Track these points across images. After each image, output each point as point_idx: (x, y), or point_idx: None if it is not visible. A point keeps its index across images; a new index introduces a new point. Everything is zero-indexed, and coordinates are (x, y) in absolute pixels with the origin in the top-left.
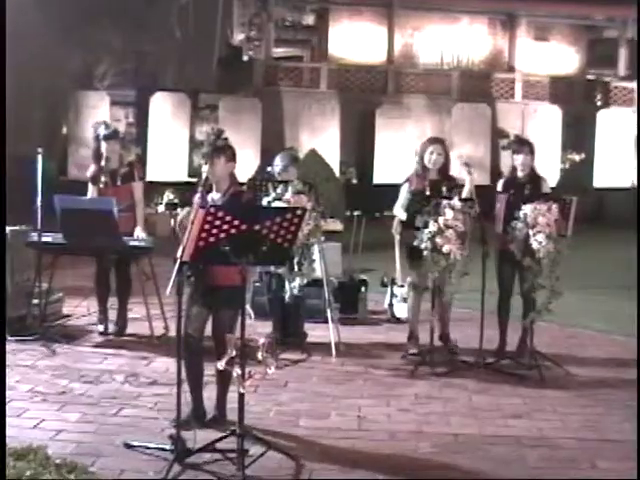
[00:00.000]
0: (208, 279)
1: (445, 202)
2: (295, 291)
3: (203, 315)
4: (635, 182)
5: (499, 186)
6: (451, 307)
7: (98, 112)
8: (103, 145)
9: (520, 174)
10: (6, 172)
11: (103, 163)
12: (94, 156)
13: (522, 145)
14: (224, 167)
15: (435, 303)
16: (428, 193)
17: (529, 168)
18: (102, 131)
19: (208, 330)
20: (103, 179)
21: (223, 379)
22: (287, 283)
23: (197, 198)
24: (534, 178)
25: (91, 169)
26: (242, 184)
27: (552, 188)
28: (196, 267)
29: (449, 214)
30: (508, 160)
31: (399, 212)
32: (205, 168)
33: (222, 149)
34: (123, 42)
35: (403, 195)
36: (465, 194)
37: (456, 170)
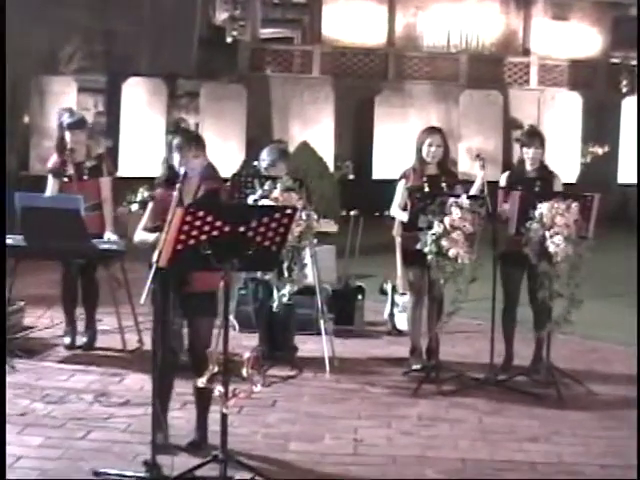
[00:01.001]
0: (184, 285)
1: (452, 200)
2: (284, 300)
3: (179, 326)
4: None
5: (502, 181)
6: (447, 317)
7: (64, 99)
8: (67, 135)
9: (529, 168)
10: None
11: (67, 155)
12: (57, 146)
13: (532, 137)
14: (197, 159)
15: (430, 311)
16: (426, 190)
17: (539, 162)
18: (66, 119)
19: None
20: (67, 172)
21: (203, 398)
22: (275, 291)
23: (165, 195)
24: (545, 173)
25: (52, 160)
26: (225, 180)
27: (571, 184)
28: (173, 272)
29: (456, 213)
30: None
31: (398, 212)
32: (177, 161)
33: (194, 138)
34: (92, 21)
35: (400, 193)
36: (474, 190)
37: (465, 164)
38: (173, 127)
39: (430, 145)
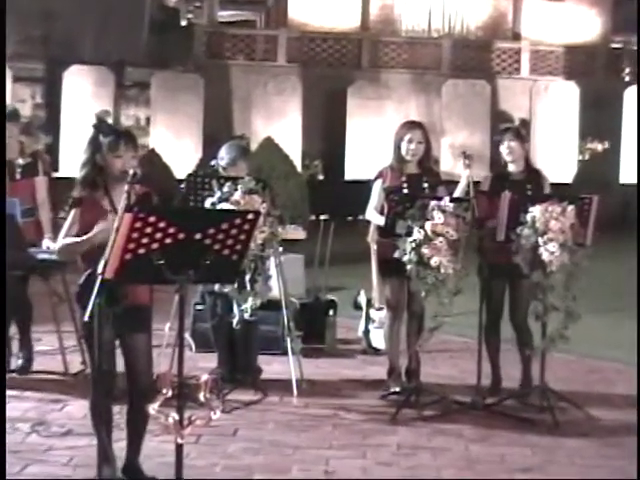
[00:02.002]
0: (122, 298)
1: (434, 203)
2: (246, 315)
3: (112, 344)
4: None
5: (483, 184)
6: (428, 334)
7: None
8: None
9: (512, 168)
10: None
11: None
12: None
13: (505, 132)
14: (134, 159)
15: (410, 328)
16: (405, 191)
17: (523, 162)
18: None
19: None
20: None
21: (140, 419)
22: (236, 305)
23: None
24: (531, 173)
25: None
26: (180, 181)
27: (567, 185)
28: (114, 284)
29: (438, 218)
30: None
31: (373, 216)
32: (110, 161)
33: (130, 136)
34: (29, 0)
35: (376, 194)
36: (459, 192)
37: (448, 163)
38: (97, 121)
39: (410, 141)
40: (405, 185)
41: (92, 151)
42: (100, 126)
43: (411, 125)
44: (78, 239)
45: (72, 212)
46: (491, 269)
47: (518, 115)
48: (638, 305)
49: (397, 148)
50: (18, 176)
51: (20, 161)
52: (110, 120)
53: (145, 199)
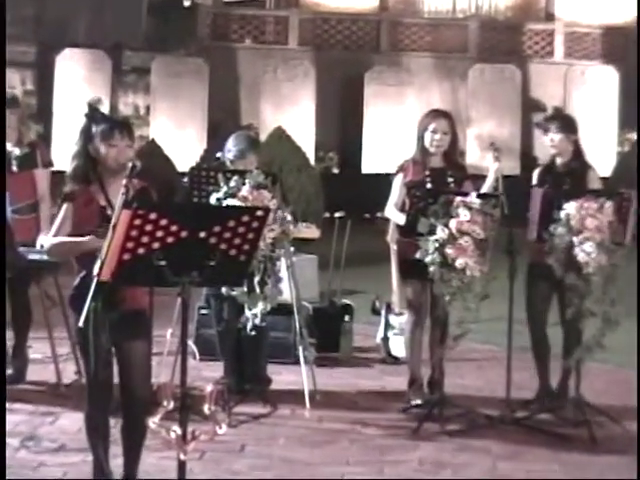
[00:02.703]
0: (119, 303)
1: (459, 199)
2: (256, 321)
3: (106, 352)
4: None
5: (534, 178)
6: (453, 342)
7: None
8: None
9: (558, 161)
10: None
11: None
12: None
13: (551, 121)
14: (130, 149)
15: (433, 335)
16: (430, 186)
17: (570, 153)
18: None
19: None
20: None
21: (137, 433)
22: (245, 310)
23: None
24: (578, 166)
25: None
26: (182, 174)
27: (605, 179)
28: (110, 287)
29: (464, 215)
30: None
31: (393, 213)
32: (103, 151)
33: (126, 124)
34: None
35: (397, 190)
36: (487, 187)
37: (474, 155)
38: (89, 109)
39: (434, 132)
40: (428, 180)
41: (84, 141)
42: (93, 114)
43: (436, 114)
44: (69, 240)
45: (64, 207)
46: (536, 269)
47: (551, 103)
48: (638, 310)
49: (420, 139)
50: (15, 168)
51: (17, 152)
52: (104, 108)
53: (144, 194)
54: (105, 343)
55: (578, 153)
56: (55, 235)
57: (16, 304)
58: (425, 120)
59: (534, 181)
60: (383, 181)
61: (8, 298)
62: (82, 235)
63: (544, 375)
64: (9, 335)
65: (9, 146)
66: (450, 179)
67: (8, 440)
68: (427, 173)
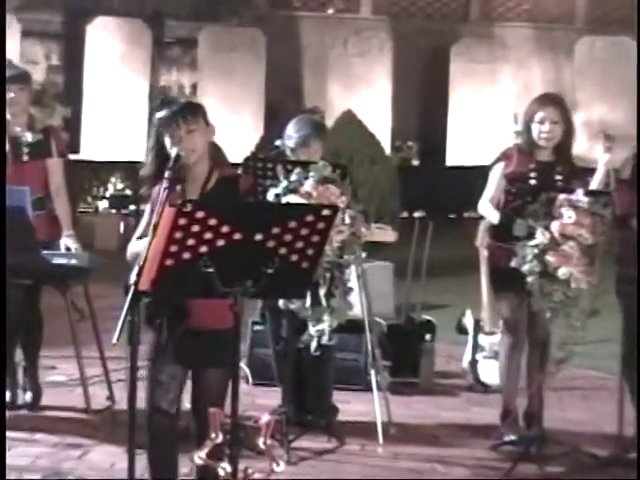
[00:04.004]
0: (185, 319)
1: (562, 197)
2: (324, 339)
3: (179, 379)
4: None
5: (623, 170)
6: (555, 367)
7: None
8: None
9: None
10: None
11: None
12: None
13: None
14: (194, 133)
15: (531, 358)
16: (534, 182)
17: None
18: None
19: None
20: None
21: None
22: (309, 327)
23: (160, 190)
24: None
25: None
26: (235, 166)
27: None
28: (162, 300)
29: (569, 217)
30: None
31: (488, 210)
32: (168, 143)
33: (197, 108)
34: None
35: (494, 182)
36: (596, 184)
37: (581, 145)
38: (159, 100)
39: (541, 122)
40: (533, 174)
41: (156, 137)
42: (160, 104)
43: (543, 100)
44: (137, 242)
45: (146, 209)
46: (631, 282)
47: None
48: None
49: (526, 130)
50: (25, 157)
51: (28, 138)
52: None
53: (228, 185)
54: (176, 367)
55: None
56: (140, 238)
57: (28, 316)
58: (531, 108)
59: (626, 174)
60: (471, 175)
61: (14, 309)
62: None
63: None
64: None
65: (18, 131)
66: (558, 176)
67: (27, 476)
68: (532, 166)
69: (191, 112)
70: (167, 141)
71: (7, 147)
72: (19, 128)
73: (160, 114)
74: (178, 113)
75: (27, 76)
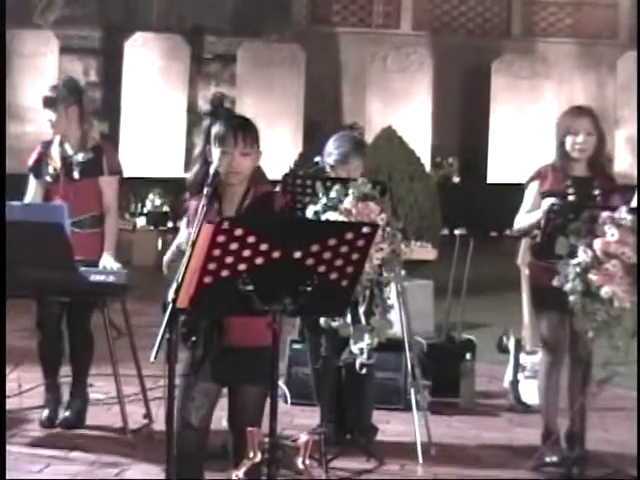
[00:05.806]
0: (221, 337)
1: (605, 214)
2: (363, 358)
3: (212, 396)
4: None
5: None
6: (598, 387)
7: (40, 64)
8: (49, 113)
9: None
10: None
11: (45, 144)
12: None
13: None
14: (247, 157)
15: (573, 378)
16: (571, 198)
17: None
18: (50, 91)
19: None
20: (51, 169)
21: None
22: (351, 344)
23: (199, 206)
24: None
25: (34, 154)
26: (274, 183)
27: None
28: (200, 317)
29: (612, 234)
30: None
31: (525, 219)
32: (216, 157)
33: (255, 132)
34: None
35: (530, 200)
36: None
37: (624, 161)
38: (212, 106)
39: (576, 133)
40: (570, 190)
41: (203, 144)
42: (213, 112)
43: (577, 112)
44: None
45: (182, 222)
46: None
47: None
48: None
49: (560, 142)
50: (77, 175)
51: (80, 157)
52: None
53: (264, 202)
54: (210, 385)
55: None
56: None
57: (75, 334)
58: (565, 120)
59: None
60: (513, 193)
61: (65, 327)
62: None
63: None
64: (65, 369)
65: (69, 150)
66: (596, 191)
67: None
68: (568, 183)
69: (250, 135)
70: (215, 152)
71: (58, 165)
72: (70, 147)
73: (217, 128)
74: (238, 131)
75: (80, 89)
